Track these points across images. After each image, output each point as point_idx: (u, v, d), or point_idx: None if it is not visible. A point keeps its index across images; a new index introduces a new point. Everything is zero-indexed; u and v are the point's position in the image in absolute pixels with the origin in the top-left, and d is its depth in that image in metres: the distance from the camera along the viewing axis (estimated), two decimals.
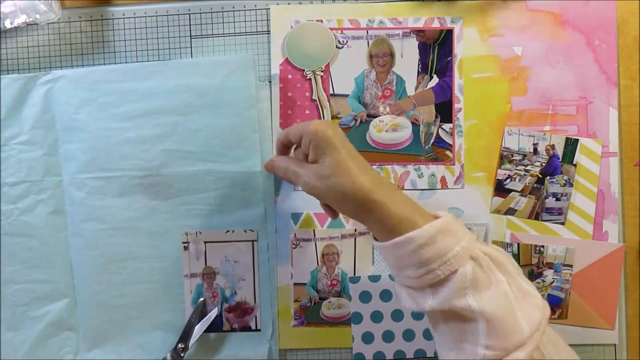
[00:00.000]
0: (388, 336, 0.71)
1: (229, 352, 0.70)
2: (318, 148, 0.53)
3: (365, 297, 0.71)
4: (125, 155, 0.68)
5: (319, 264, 0.71)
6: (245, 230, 0.68)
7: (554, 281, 0.70)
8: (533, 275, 0.70)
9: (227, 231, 0.68)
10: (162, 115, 0.68)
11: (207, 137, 0.68)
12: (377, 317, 0.71)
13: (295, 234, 0.71)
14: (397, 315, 0.70)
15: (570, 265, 0.70)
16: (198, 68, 0.69)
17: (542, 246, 0.70)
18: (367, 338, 0.71)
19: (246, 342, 0.70)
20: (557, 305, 0.70)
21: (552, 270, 0.70)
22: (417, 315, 0.70)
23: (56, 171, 0.70)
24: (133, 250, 0.69)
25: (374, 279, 0.71)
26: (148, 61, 0.71)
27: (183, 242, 0.68)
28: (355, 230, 0.71)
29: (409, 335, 0.71)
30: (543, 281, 0.70)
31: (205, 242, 0.68)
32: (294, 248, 0.71)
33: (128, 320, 0.69)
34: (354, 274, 0.71)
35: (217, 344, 0.70)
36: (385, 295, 0.71)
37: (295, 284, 0.71)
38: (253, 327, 0.69)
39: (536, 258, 0.70)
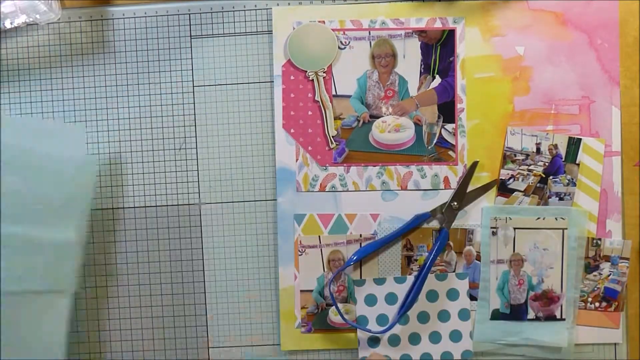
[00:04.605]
0: (394, 340, 0.70)
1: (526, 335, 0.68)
2: None
3: (370, 300, 0.70)
4: None
5: (325, 270, 0.70)
6: (556, 218, 0.67)
7: (610, 274, 0.70)
8: (589, 268, 0.70)
9: (538, 218, 0.67)
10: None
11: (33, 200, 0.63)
12: (382, 320, 0.70)
13: (300, 241, 0.70)
14: (403, 318, 0.70)
15: (627, 258, 0.70)
16: None
17: (600, 239, 0.70)
18: (373, 341, 0.70)
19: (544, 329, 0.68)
20: (613, 298, 0.70)
21: (609, 263, 0.70)
22: (423, 319, 0.70)
23: None
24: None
25: (379, 282, 0.70)
26: (147, 61, 0.71)
27: (491, 227, 0.67)
28: (361, 235, 0.70)
29: (414, 338, 0.70)
30: (600, 274, 0.70)
31: (514, 228, 0.67)
32: (300, 255, 0.70)
33: None
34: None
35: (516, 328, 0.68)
36: (391, 298, 0.70)
37: (301, 290, 0.70)
38: (558, 316, 0.68)
39: (593, 251, 0.70)
